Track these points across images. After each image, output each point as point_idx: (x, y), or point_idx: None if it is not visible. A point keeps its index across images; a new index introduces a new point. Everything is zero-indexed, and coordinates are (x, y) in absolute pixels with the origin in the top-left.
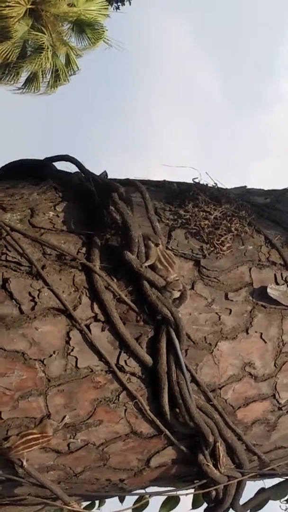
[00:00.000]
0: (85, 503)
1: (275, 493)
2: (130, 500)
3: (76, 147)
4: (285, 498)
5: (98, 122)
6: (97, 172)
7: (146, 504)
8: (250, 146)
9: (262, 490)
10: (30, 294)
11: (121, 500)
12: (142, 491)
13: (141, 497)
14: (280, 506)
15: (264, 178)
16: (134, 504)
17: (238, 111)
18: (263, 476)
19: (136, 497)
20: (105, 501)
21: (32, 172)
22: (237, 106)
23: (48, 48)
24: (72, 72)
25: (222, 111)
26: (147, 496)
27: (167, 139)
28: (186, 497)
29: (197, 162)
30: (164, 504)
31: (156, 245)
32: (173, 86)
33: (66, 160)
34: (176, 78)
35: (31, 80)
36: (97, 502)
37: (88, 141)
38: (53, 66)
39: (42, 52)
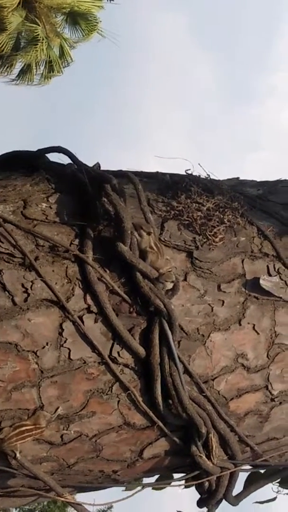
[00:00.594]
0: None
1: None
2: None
3: (70, 139)
4: (277, 480)
5: (91, 114)
6: (90, 163)
7: None
8: (243, 138)
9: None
10: (23, 285)
11: None
12: (135, 482)
13: None
14: (272, 488)
15: (257, 170)
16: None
17: (232, 104)
18: (256, 467)
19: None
20: None
21: (25, 164)
22: (231, 99)
23: (42, 39)
24: (66, 63)
25: (215, 104)
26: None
27: (161, 132)
28: (179, 488)
29: (191, 154)
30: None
31: (148, 233)
32: (167, 78)
33: (59, 152)
34: (170, 70)
35: (25, 72)
36: None
37: (81, 133)
38: (47, 58)
39: (37, 44)
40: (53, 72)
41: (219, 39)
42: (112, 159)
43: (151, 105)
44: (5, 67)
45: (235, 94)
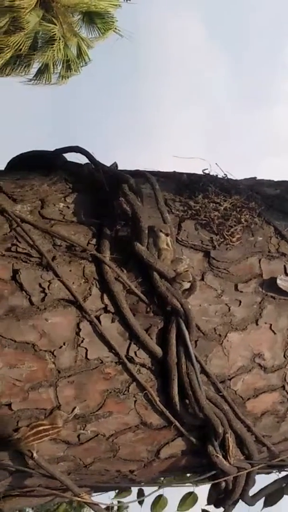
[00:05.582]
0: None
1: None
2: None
3: (87, 139)
4: None
5: (109, 113)
6: (108, 163)
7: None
8: (262, 140)
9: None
10: (40, 285)
11: None
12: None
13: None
14: None
15: (274, 174)
16: (153, 504)
17: (249, 105)
18: (273, 467)
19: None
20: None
21: (42, 164)
22: (248, 100)
23: (59, 39)
24: (83, 63)
25: (233, 105)
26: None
27: (178, 131)
28: (197, 489)
29: (208, 155)
30: (182, 502)
31: (166, 235)
32: (185, 78)
33: (76, 151)
34: (187, 69)
35: (43, 71)
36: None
37: (99, 133)
38: (65, 57)
39: (54, 43)
40: (70, 71)
41: (238, 38)
42: (129, 159)
43: (168, 105)
44: (23, 67)
45: (254, 94)
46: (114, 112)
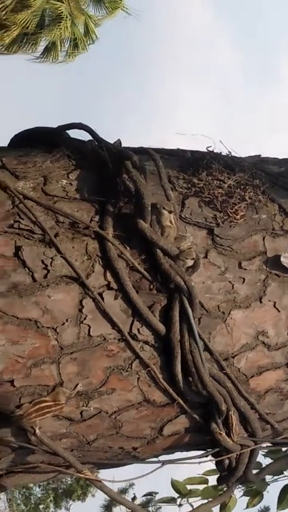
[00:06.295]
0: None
1: None
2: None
3: (94, 116)
4: None
5: (116, 91)
6: (113, 141)
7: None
8: (267, 119)
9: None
10: (43, 262)
11: None
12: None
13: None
14: None
15: (281, 151)
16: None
17: (256, 84)
18: (276, 445)
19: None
20: None
21: (45, 140)
22: (255, 79)
23: (66, 17)
24: (91, 41)
25: (240, 84)
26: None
27: (184, 110)
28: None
29: (213, 133)
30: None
31: (170, 212)
32: (192, 56)
33: (80, 128)
34: (194, 48)
35: (50, 49)
36: None
37: (106, 111)
38: (72, 35)
39: (61, 22)
40: (77, 49)
41: (246, 17)
42: (134, 136)
43: (175, 83)
44: (30, 45)
45: (262, 73)
46: (121, 91)
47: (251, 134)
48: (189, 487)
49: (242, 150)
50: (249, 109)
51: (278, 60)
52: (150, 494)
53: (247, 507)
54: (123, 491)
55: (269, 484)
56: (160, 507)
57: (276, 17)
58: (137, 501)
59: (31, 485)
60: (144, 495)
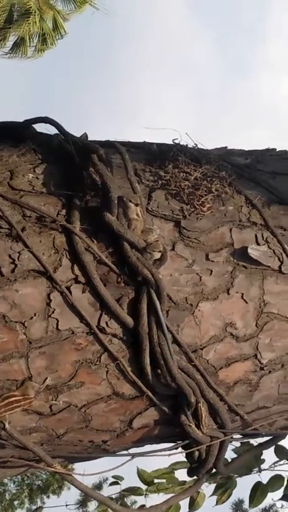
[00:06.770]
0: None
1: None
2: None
3: (63, 112)
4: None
5: (85, 87)
6: (79, 135)
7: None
8: (240, 115)
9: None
10: (10, 256)
11: None
12: (125, 452)
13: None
14: None
15: (252, 145)
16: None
17: (229, 79)
18: (246, 436)
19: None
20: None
21: (11, 135)
22: (227, 74)
23: (35, 12)
24: (59, 36)
25: (212, 80)
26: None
27: (155, 107)
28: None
29: (186, 129)
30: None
31: (136, 205)
32: (163, 54)
33: (46, 122)
34: (167, 44)
35: (18, 45)
36: None
37: (75, 106)
38: (40, 30)
39: (29, 17)
40: (46, 45)
41: (217, 13)
42: (101, 131)
43: (146, 80)
44: None
45: (234, 69)
46: (90, 86)
47: (225, 129)
48: (156, 481)
49: (216, 145)
50: (223, 104)
51: (251, 54)
52: (116, 481)
53: (216, 503)
54: (98, 486)
55: (236, 480)
56: (135, 502)
57: (249, 12)
58: (105, 491)
59: (6, 480)
60: (111, 484)
